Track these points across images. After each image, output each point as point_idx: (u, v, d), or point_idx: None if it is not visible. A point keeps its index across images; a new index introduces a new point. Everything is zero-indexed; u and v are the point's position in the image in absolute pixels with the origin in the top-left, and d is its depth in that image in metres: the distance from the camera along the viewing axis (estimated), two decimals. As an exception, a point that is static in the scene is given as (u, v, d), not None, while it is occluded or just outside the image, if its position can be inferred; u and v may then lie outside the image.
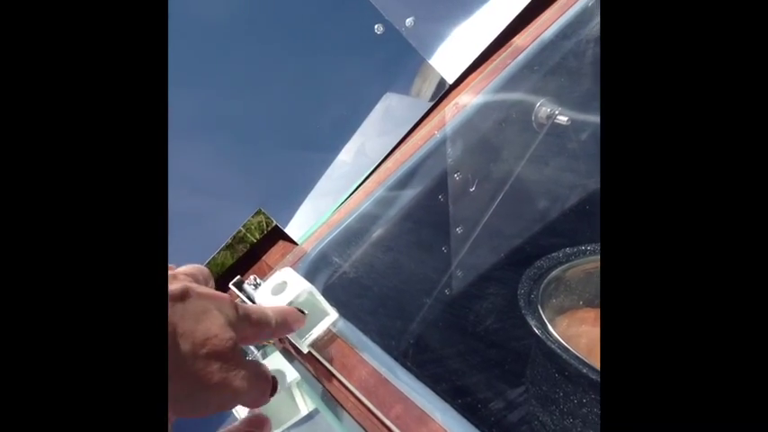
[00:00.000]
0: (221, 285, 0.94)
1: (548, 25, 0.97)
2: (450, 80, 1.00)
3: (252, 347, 0.87)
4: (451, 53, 1.00)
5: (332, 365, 0.79)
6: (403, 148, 0.97)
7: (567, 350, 0.77)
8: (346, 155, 0.99)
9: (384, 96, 1.01)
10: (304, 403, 0.79)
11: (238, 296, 0.89)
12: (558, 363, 0.78)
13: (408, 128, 1.00)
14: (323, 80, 0.99)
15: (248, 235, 1.92)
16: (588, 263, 0.91)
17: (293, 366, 0.80)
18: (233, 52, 0.95)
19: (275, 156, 0.98)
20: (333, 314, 0.81)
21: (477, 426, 0.63)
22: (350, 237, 0.90)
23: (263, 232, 1.89)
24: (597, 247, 0.90)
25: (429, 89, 1.02)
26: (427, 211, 0.94)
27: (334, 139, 0.99)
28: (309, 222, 0.96)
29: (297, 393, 0.78)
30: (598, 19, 0.97)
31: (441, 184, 0.97)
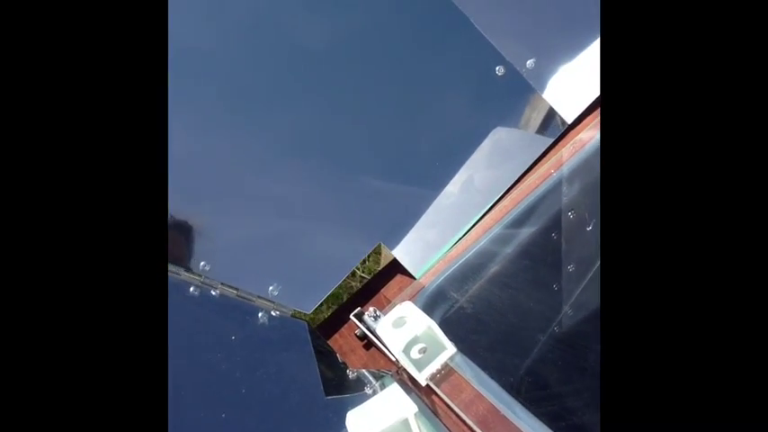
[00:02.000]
0: (340, 315, 0.98)
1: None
2: (569, 120, 1.01)
3: (370, 377, 0.90)
4: (570, 93, 1.02)
5: (450, 399, 0.81)
6: (520, 186, 0.99)
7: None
8: (453, 186, 1.01)
9: (494, 130, 1.03)
10: (421, 435, 0.81)
11: (359, 327, 0.93)
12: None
13: (526, 166, 1.01)
14: (430, 112, 1.02)
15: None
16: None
17: (411, 398, 0.82)
18: (338, 77, 1.00)
19: (379, 184, 1.01)
20: (451, 348, 0.83)
21: (596, 467, 0.63)
22: (467, 272, 0.92)
23: (364, 262, 1.93)
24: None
25: (546, 128, 1.03)
26: (544, 249, 0.95)
27: (437, 170, 1.02)
28: (424, 256, 0.99)
29: (414, 426, 0.80)
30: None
31: (557, 222, 0.98)
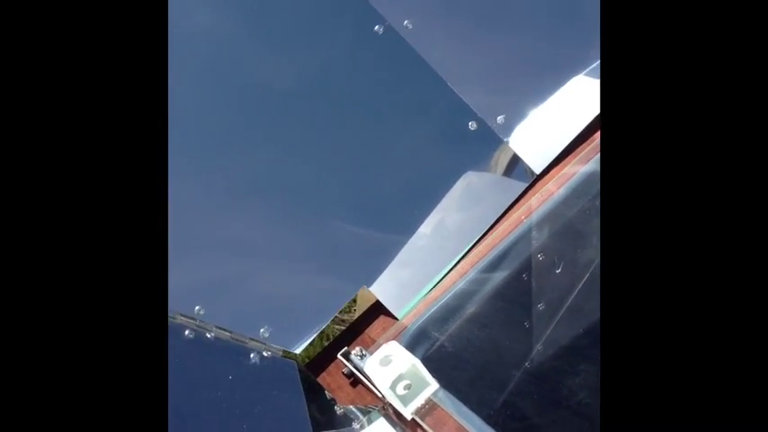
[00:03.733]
0: (328, 354, 1.04)
1: (629, 122, 1.06)
2: (537, 171, 1.10)
3: (358, 413, 0.96)
4: (538, 146, 1.10)
5: (434, 432, 0.87)
6: (493, 233, 1.06)
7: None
8: (426, 228, 1.09)
9: (464, 175, 1.11)
10: (409, 466, 0.87)
11: (346, 365, 0.98)
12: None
13: (499, 213, 1.09)
14: (399, 155, 1.10)
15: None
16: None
17: None
18: (303, 117, 1.06)
19: (353, 228, 1.08)
20: (434, 384, 0.89)
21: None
22: (447, 313, 0.99)
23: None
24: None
25: (516, 177, 1.11)
26: (516, 290, 1.02)
27: (409, 214, 1.09)
28: (404, 298, 1.05)
29: (401, 457, 0.86)
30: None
31: (528, 265, 1.05)
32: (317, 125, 1.08)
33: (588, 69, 1.13)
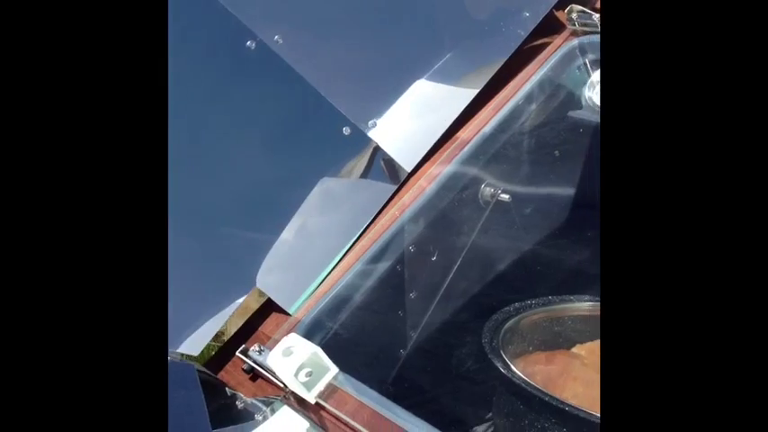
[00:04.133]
0: (224, 355, 1.08)
1: (487, 121, 1.19)
2: (408, 169, 1.19)
3: (259, 404, 1.00)
4: (408, 146, 1.20)
5: (337, 411, 0.93)
6: (374, 227, 1.15)
7: (530, 384, 0.94)
8: (288, 233, 1.15)
9: (321, 180, 1.19)
10: (315, 448, 0.92)
11: (245, 361, 1.03)
12: (523, 395, 0.95)
13: (375, 211, 1.17)
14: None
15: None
16: (535, 314, 1.10)
17: (300, 417, 0.94)
18: None
19: (236, 230, 1.13)
20: (334, 369, 0.95)
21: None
22: (339, 304, 1.06)
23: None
24: (541, 300, 1.09)
25: (389, 176, 1.20)
26: (399, 278, 1.11)
27: (286, 213, 1.16)
28: (293, 293, 1.11)
29: (307, 441, 0.92)
30: (528, 115, 1.20)
31: (402, 256, 1.15)
32: (198, 138, 1.12)
33: (439, 70, 1.24)
